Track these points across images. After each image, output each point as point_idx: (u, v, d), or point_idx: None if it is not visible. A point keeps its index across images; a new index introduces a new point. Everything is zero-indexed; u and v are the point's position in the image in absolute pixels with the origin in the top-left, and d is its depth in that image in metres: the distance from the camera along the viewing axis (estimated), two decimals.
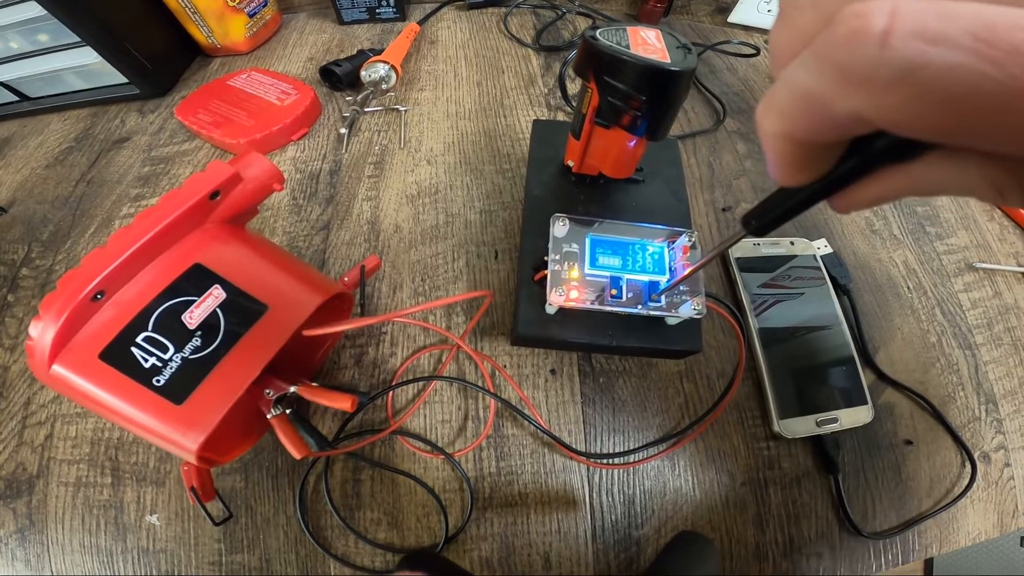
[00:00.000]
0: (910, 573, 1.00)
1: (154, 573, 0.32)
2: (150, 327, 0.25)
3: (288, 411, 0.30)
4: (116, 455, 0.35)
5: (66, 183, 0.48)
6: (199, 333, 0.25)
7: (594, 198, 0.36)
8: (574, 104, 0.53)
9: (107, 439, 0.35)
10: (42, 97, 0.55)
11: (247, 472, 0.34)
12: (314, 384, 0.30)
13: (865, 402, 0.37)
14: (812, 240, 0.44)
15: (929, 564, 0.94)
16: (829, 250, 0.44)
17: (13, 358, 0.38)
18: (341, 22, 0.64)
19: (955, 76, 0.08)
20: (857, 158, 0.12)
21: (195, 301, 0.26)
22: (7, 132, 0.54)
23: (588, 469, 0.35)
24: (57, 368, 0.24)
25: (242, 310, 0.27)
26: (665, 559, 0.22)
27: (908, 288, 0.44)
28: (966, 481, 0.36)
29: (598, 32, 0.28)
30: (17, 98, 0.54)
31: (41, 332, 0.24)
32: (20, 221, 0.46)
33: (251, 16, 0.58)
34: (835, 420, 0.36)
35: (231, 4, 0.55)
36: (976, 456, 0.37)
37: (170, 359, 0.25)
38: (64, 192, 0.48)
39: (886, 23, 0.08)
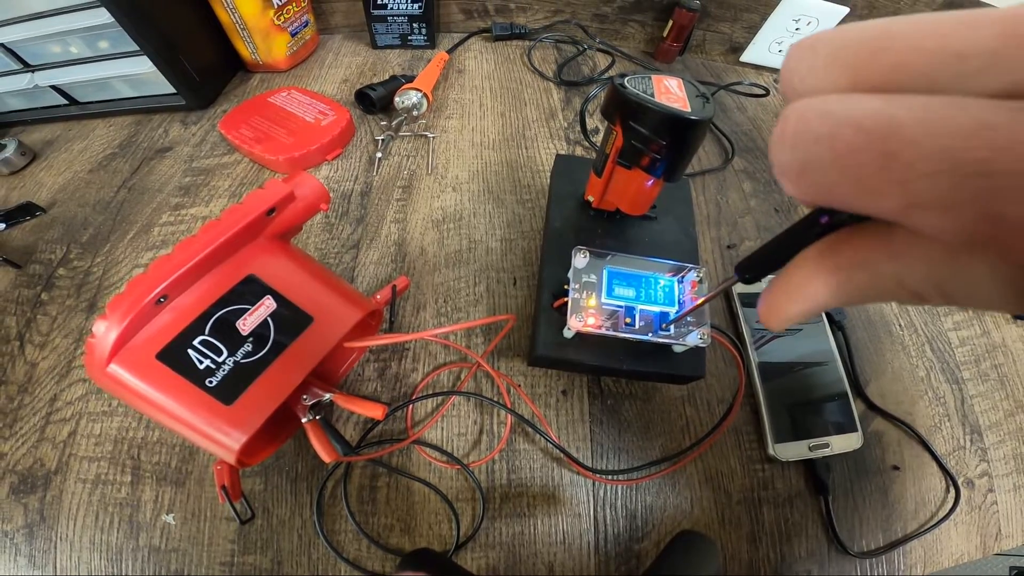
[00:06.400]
0: None
1: (162, 572, 0.33)
2: (207, 331, 0.27)
3: (318, 417, 0.32)
4: (138, 454, 0.36)
5: (108, 188, 0.50)
6: (251, 339, 0.28)
7: (610, 232, 0.39)
8: (593, 141, 0.56)
9: (131, 438, 0.36)
10: (90, 102, 0.57)
11: (267, 475, 0.35)
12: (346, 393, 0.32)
13: (855, 429, 0.39)
14: None
15: None
16: None
17: (43, 355, 0.39)
18: (375, 46, 0.67)
19: (824, 169, 0.09)
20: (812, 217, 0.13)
21: (248, 309, 0.28)
22: (51, 135, 0.56)
23: (594, 484, 0.37)
24: (114, 367, 0.26)
25: (290, 320, 0.29)
26: (665, 558, 0.23)
27: (900, 326, 0.47)
28: (950, 505, 0.39)
29: (626, 80, 0.30)
30: (66, 102, 0.56)
31: (105, 331, 0.26)
32: (60, 222, 0.48)
33: (293, 35, 0.61)
34: (827, 445, 0.38)
35: (277, 22, 0.58)
36: (960, 482, 0.39)
37: (223, 362, 0.27)
38: (106, 197, 0.50)
39: (790, 128, 0.10)
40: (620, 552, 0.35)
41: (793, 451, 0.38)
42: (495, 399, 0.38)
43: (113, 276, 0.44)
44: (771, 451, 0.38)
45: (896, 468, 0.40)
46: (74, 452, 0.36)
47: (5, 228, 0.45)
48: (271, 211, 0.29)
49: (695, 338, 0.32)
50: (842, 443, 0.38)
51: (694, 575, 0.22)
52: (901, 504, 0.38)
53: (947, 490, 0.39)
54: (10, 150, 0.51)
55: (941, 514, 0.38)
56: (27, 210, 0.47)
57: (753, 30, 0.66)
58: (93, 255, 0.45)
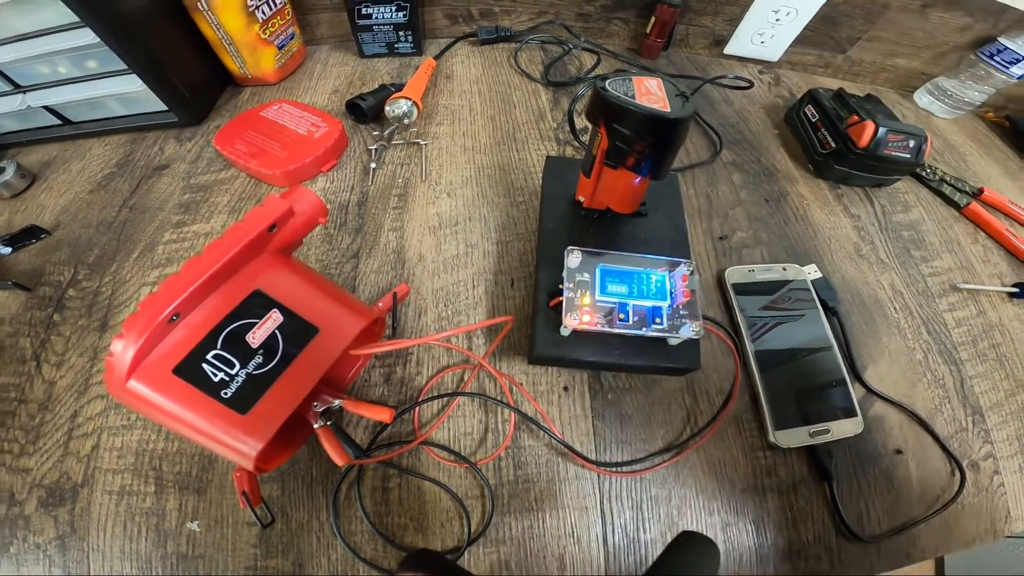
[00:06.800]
0: (921, 574, 1.02)
1: None
2: (219, 345, 0.28)
3: (329, 423, 0.33)
4: (160, 465, 0.37)
5: (109, 208, 0.51)
6: (261, 351, 0.29)
7: (602, 231, 0.40)
8: (582, 140, 0.56)
9: (151, 450, 0.37)
10: (84, 122, 0.57)
11: (283, 481, 0.36)
12: (354, 398, 0.33)
13: (855, 414, 0.40)
14: (803, 266, 0.47)
15: (940, 565, 0.96)
16: (819, 275, 0.47)
17: (60, 373, 0.40)
18: (362, 55, 0.68)
19: None
20: None
21: (257, 323, 0.29)
22: (48, 156, 0.56)
23: (599, 477, 0.37)
24: (133, 383, 0.27)
25: (297, 331, 0.30)
26: (665, 558, 0.24)
27: (895, 309, 0.47)
28: (955, 488, 0.39)
29: (607, 83, 0.31)
30: (60, 122, 0.57)
31: (123, 349, 0.26)
32: (66, 244, 0.48)
33: (280, 48, 0.61)
34: (827, 431, 0.39)
35: (263, 36, 0.58)
36: (965, 464, 0.40)
37: (236, 374, 0.28)
38: (108, 217, 0.50)
39: None
40: (628, 543, 0.36)
41: (794, 438, 0.38)
42: (498, 398, 0.39)
43: (122, 295, 0.45)
44: (772, 438, 0.38)
45: (899, 452, 0.40)
46: (98, 465, 0.37)
47: (11, 252, 0.46)
48: (272, 227, 0.30)
49: (688, 331, 0.33)
50: (842, 428, 0.39)
51: (694, 575, 0.22)
52: (906, 488, 0.39)
53: (952, 473, 0.39)
54: (10, 172, 0.51)
55: (947, 497, 0.38)
56: (32, 233, 0.48)
57: (734, 23, 0.67)
58: (101, 275, 0.46)
